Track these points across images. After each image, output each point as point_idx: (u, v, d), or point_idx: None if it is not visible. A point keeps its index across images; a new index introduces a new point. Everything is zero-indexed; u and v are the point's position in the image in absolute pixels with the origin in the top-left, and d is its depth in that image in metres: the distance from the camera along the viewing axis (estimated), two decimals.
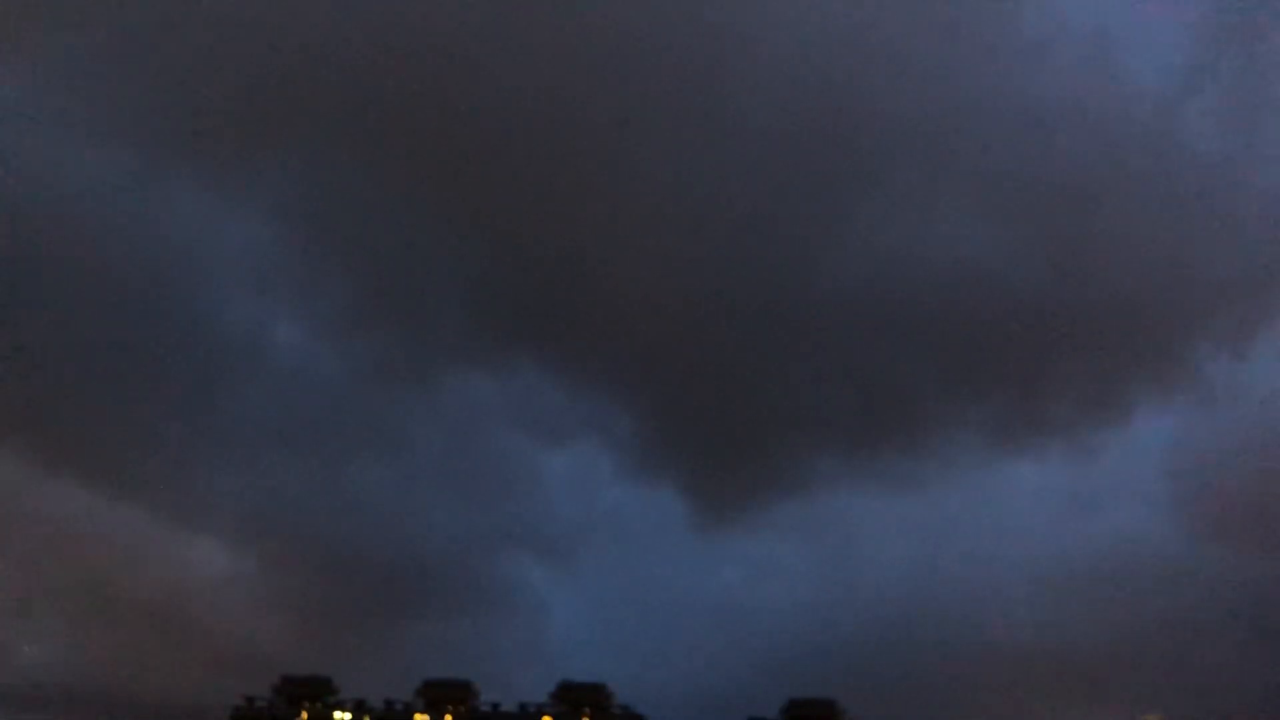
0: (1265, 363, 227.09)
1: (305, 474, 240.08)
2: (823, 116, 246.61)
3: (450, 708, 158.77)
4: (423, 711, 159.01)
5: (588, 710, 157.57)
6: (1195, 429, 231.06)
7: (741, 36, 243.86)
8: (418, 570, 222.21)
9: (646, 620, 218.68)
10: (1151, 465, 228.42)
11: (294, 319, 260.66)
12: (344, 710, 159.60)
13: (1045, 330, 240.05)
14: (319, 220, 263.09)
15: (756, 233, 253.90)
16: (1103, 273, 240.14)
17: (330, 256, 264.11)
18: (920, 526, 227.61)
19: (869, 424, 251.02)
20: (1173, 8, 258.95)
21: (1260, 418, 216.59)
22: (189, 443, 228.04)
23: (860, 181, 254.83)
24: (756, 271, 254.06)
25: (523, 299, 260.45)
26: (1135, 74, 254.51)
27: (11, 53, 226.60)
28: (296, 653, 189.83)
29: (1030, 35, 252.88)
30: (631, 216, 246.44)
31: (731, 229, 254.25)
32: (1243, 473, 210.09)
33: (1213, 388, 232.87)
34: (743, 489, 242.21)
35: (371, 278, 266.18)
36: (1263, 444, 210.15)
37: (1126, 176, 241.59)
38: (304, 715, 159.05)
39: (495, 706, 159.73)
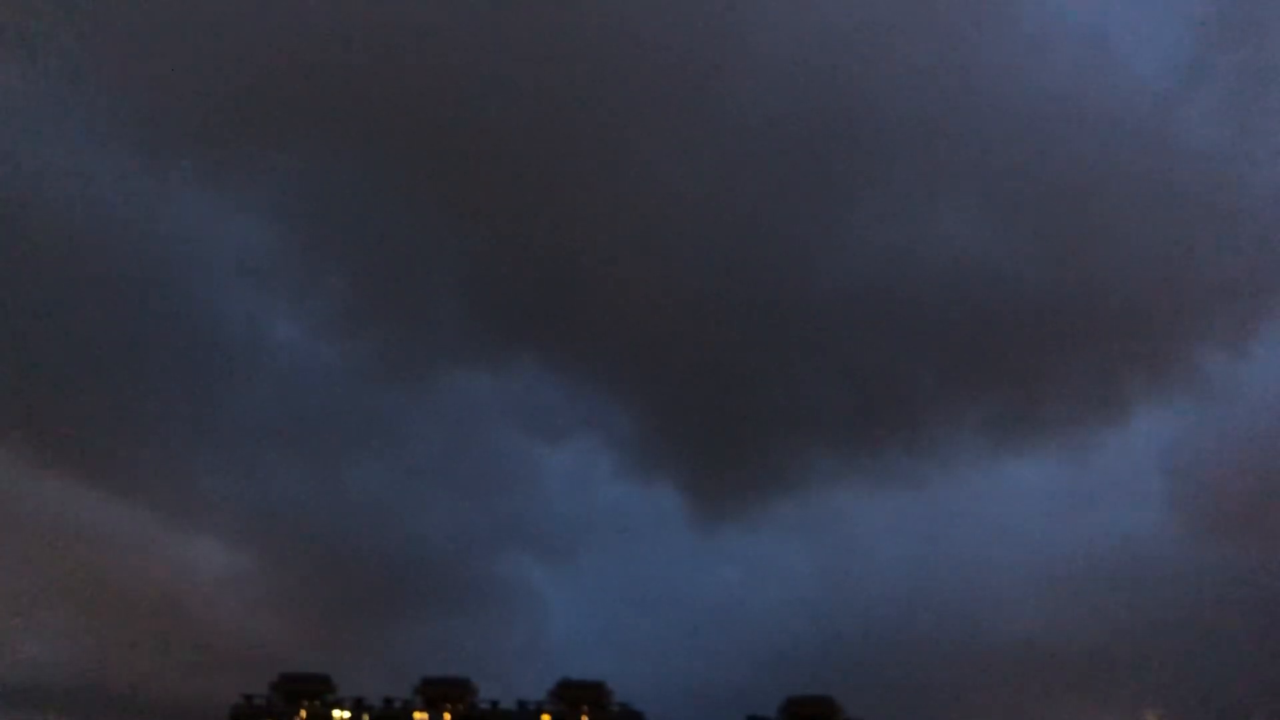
0: (1265, 362, 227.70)
1: (304, 472, 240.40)
2: (821, 114, 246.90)
3: (449, 706, 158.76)
4: (421, 709, 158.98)
5: (586, 708, 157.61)
6: (1194, 428, 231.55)
7: (740, 34, 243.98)
8: (416, 568, 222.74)
9: (645, 618, 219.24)
10: (1150, 464, 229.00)
11: (292, 317, 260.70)
12: (343, 708, 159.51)
13: (1044, 329, 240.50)
14: (318, 218, 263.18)
15: (755, 231, 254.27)
16: (1102, 271, 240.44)
17: (329, 254, 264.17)
18: (919, 525, 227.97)
19: (868, 422, 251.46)
20: (1173, 5, 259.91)
21: (1259, 417, 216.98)
22: (187, 441, 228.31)
23: (860, 179, 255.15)
24: (755, 270, 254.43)
25: (522, 297, 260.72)
26: (1135, 72, 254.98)
27: (10, 51, 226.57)
28: (295, 651, 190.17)
29: (1029, 33, 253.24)
30: (630, 214, 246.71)
31: (730, 227, 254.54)
32: (1242, 471, 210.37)
33: (1212, 387, 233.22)
34: (742, 487, 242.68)
35: (370, 276, 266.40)
36: (1262, 443, 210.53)
37: (1126, 175, 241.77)
38: (303, 713, 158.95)
39: (494, 704, 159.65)
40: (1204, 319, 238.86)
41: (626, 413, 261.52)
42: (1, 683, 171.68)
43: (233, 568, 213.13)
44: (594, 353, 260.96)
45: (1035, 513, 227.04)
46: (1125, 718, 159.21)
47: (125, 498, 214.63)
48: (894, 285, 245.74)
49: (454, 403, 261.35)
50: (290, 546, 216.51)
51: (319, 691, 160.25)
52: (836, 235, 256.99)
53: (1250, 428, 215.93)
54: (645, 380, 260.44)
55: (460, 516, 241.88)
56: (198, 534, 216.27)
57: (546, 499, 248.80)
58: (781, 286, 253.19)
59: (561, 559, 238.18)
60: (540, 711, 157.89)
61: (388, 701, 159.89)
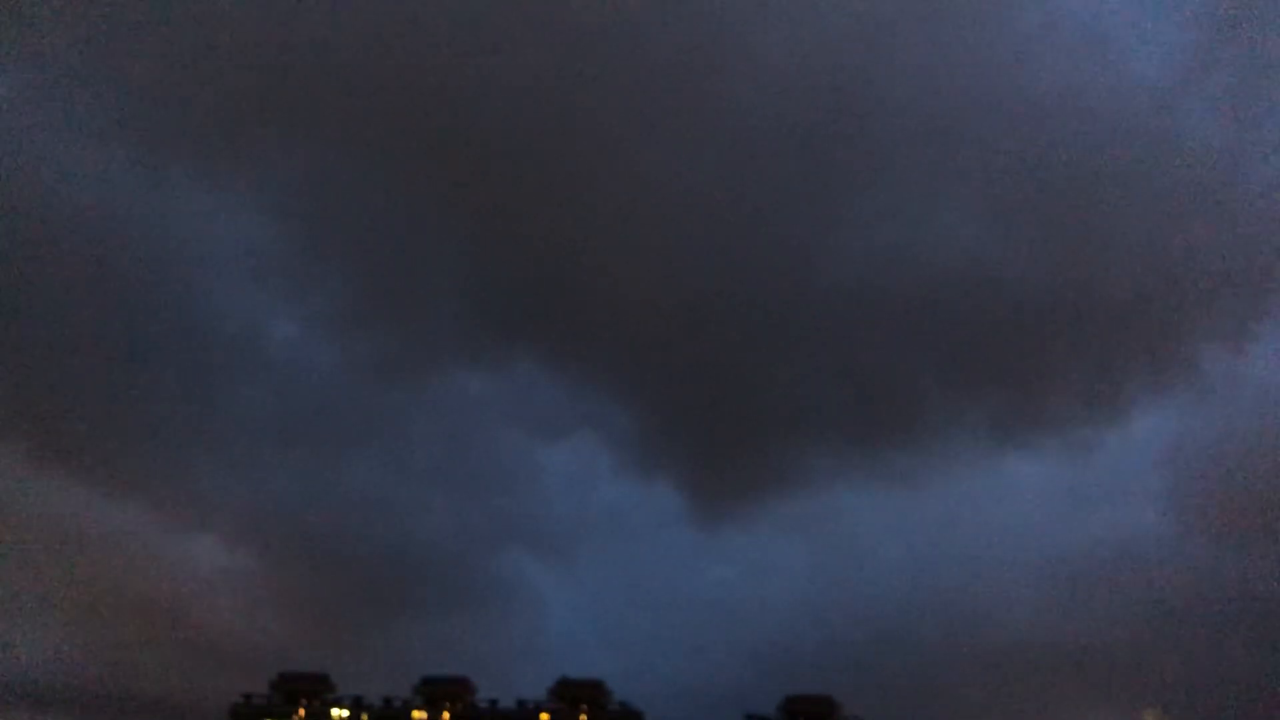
0: (1264, 359, 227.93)
1: (303, 471, 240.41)
2: (821, 114, 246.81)
3: (448, 704, 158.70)
4: (421, 708, 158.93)
5: (585, 707, 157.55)
6: (1194, 425, 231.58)
7: (739, 32, 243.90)
8: (415, 567, 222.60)
9: (644, 616, 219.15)
10: (1150, 461, 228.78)
11: (291, 315, 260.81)
12: (342, 707, 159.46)
13: (1044, 326, 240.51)
14: (316, 217, 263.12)
15: (754, 229, 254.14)
16: (1101, 269, 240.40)
17: (327, 253, 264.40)
18: (918, 523, 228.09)
19: (867, 420, 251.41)
20: (1171, 3, 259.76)
21: (1259, 413, 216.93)
22: (186, 440, 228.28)
23: (859, 178, 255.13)
24: (755, 268, 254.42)
25: (520, 295, 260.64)
26: (1134, 69, 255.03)
27: (9, 49, 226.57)
28: (294, 649, 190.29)
29: (1028, 30, 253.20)
30: (629, 212, 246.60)
31: (730, 226, 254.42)
32: (1241, 468, 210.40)
33: (1211, 384, 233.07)
34: (741, 485, 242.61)
35: (370, 275, 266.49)
36: (1261, 440, 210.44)
37: (1125, 172, 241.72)
38: (302, 712, 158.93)
39: (493, 703, 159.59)
40: (1203, 316, 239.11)
41: (626, 412, 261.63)
42: (1, 682, 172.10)
43: (232, 567, 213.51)
44: (593, 351, 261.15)
45: (1034, 511, 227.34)
46: (1124, 715, 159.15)
47: (124, 497, 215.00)
48: (894, 284, 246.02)
49: (453, 401, 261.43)
50: (289, 546, 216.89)
51: (318, 690, 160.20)
52: (836, 234, 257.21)
53: (1250, 424, 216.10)
54: (645, 379, 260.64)
55: (459, 515, 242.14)
56: (197, 533, 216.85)
57: (546, 498, 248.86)
58: (781, 285, 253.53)
59: (561, 558, 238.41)
60: (539, 710, 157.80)
61: (387, 700, 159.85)
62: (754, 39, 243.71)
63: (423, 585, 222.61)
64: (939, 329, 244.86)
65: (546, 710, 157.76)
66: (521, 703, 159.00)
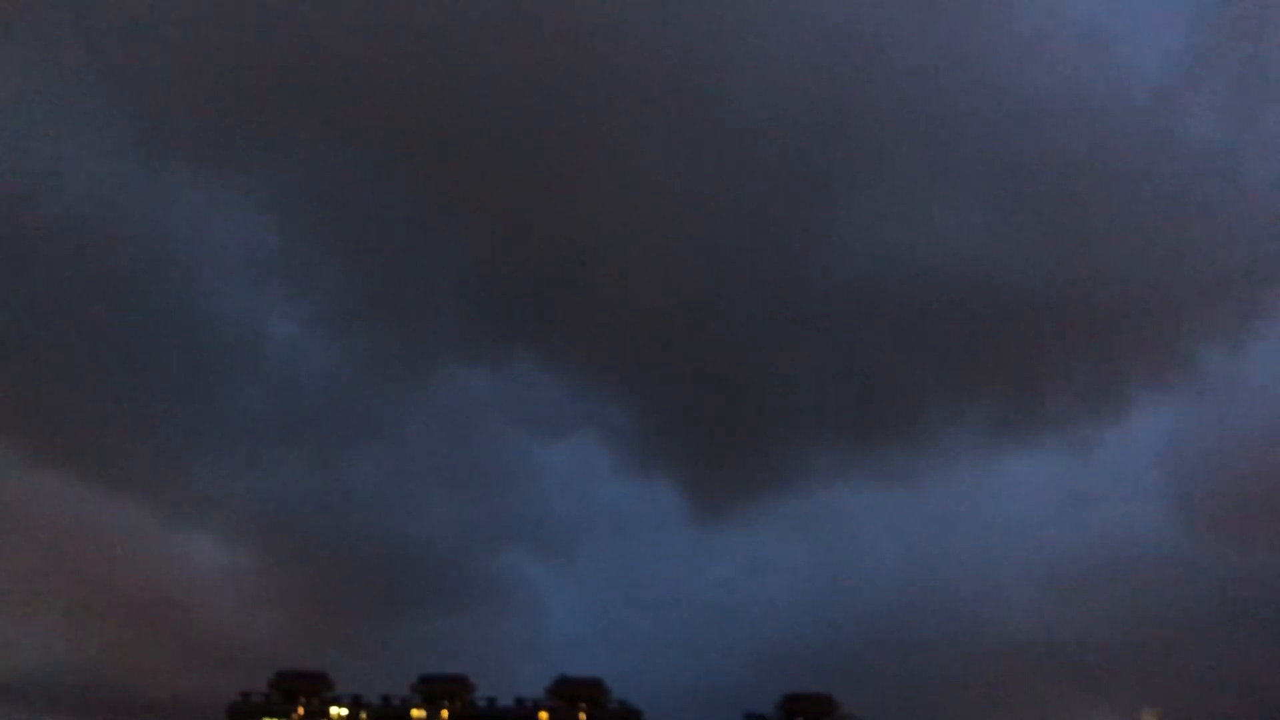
0: (1263, 356, 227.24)
1: (302, 469, 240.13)
2: (820, 110, 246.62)
3: (447, 703, 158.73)
4: (419, 707, 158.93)
5: (584, 706, 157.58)
6: (1193, 423, 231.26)
7: (738, 30, 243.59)
8: (414, 565, 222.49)
9: (643, 615, 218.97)
10: (1149, 459, 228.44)
11: (291, 314, 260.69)
12: (341, 706, 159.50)
13: (1043, 324, 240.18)
14: (316, 215, 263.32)
15: (754, 227, 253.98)
16: (1100, 266, 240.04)
17: (327, 252, 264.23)
18: (917, 521, 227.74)
19: (866, 419, 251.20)
20: (1170, 1, 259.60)
21: (1258, 411, 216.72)
22: (185, 438, 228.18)
23: (859, 176, 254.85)
24: (754, 266, 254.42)
25: (520, 293, 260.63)
26: (1133, 66, 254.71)
27: (9, 49, 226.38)
28: (293, 648, 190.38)
29: (1027, 27, 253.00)
30: (629, 210, 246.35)
31: (729, 223, 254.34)
32: (1240, 466, 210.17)
33: (1211, 381, 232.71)
34: (740, 484, 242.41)
35: (369, 273, 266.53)
36: (1260, 438, 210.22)
37: (1124, 169, 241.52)
38: (300, 710, 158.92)
39: (492, 702, 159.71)
40: (1203, 314, 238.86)
41: (626, 410, 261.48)
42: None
43: (231, 565, 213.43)
44: (593, 350, 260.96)
45: (1034, 509, 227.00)
46: (1123, 714, 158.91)
47: (123, 495, 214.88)
48: (893, 282, 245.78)
49: (452, 400, 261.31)
50: (288, 544, 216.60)
51: (317, 689, 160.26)
52: (835, 232, 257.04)
53: (1249, 422, 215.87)
54: (644, 377, 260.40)
55: (459, 514, 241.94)
56: (196, 531, 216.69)
57: (545, 496, 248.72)
58: (780, 283, 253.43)
59: (560, 557, 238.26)
60: (538, 709, 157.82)
61: (385, 699, 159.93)
62: (753, 38, 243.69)
63: (421, 584, 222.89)
64: (939, 328, 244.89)
65: (545, 709, 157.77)
66: (520, 701, 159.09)
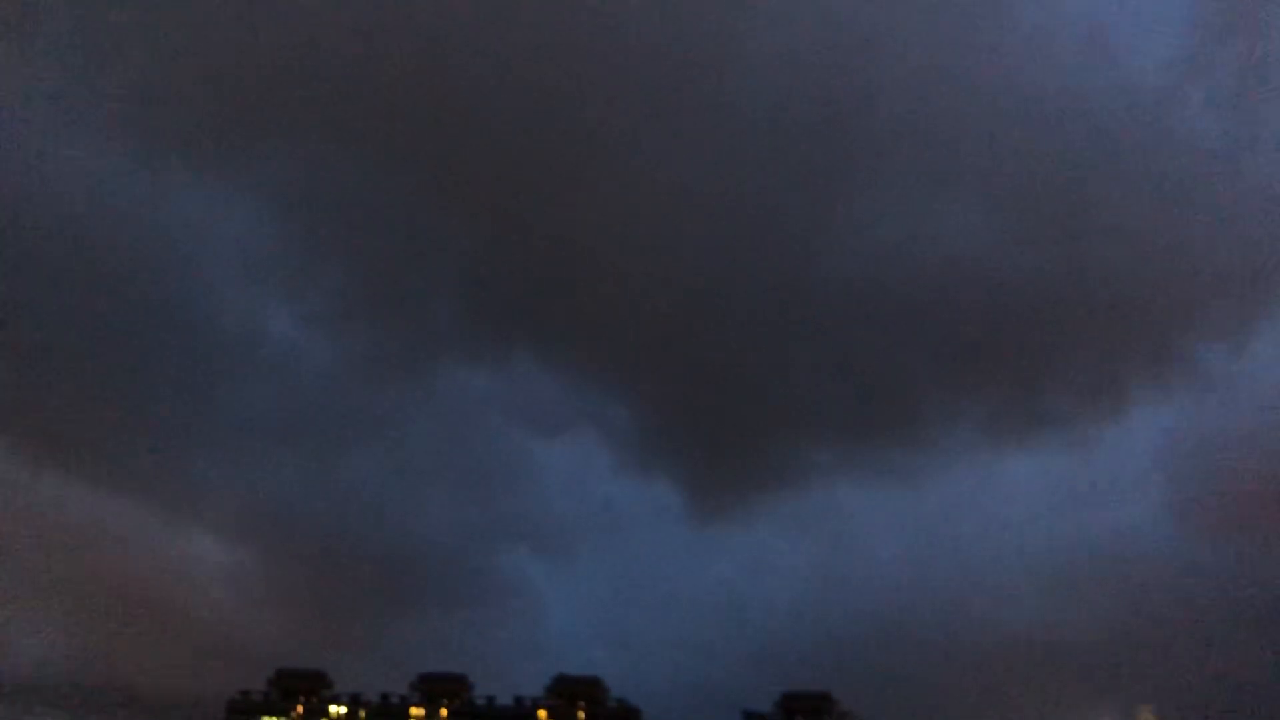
0: (1263, 356, 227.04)
1: (300, 467, 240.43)
2: (820, 109, 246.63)
3: (446, 701, 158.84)
4: (418, 705, 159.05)
5: (583, 704, 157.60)
6: (1193, 422, 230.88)
7: (738, 29, 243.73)
8: (413, 564, 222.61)
9: (642, 614, 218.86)
10: (1148, 458, 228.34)
11: (289, 313, 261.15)
12: (339, 704, 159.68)
13: (1042, 323, 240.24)
14: (314, 213, 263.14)
15: (753, 226, 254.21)
16: (1100, 265, 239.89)
17: (326, 250, 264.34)
18: (916, 520, 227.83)
19: (865, 417, 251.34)
20: (1172, 1, 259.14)
21: (1258, 411, 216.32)
22: (184, 436, 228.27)
23: (858, 175, 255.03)
24: (754, 264, 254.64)
25: (519, 292, 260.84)
26: (1134, 65, 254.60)
27: (11, 50, 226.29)
28: (292, 646, 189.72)
29: (1028, 27, 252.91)
30: (628, 210, 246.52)
31: (729, 222, 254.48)
32: (1240, 466, 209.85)
33: (1210, 381, 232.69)
34: (739, 482, 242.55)
35: (367, 271, 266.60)
36: (1260, 437, 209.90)
37: (1124, 169, 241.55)
38: (299, 709, 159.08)
39: (491, 700, 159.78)
40: (1202, 313, 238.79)
41: (625, 408, 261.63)
42: None
43: (229, 563, 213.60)
44: (592, 348, 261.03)
45: (1032, 508, 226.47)
46: (1120, 714, 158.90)
47: (121, 493, 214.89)
48: (892, 280, 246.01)
49: (451, 398, 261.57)
50: (287, 542, 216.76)
51: (315, 687, 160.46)
52: (835, 230, 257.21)
53: (1249, 421, 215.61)
54: (643, 376, 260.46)
55: (457, 512, 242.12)
56: (194, 529, 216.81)
57: (544, 494, 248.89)
58: (780, 282, 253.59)
59: (559, 555, 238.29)
60: (537, 707, 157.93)
61: (384, 697, 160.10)
62: (753, 37, 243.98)
63: (421, 582, 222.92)
64: (938, 326, 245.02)
65: (544, 707, 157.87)
66: (519, 700, 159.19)
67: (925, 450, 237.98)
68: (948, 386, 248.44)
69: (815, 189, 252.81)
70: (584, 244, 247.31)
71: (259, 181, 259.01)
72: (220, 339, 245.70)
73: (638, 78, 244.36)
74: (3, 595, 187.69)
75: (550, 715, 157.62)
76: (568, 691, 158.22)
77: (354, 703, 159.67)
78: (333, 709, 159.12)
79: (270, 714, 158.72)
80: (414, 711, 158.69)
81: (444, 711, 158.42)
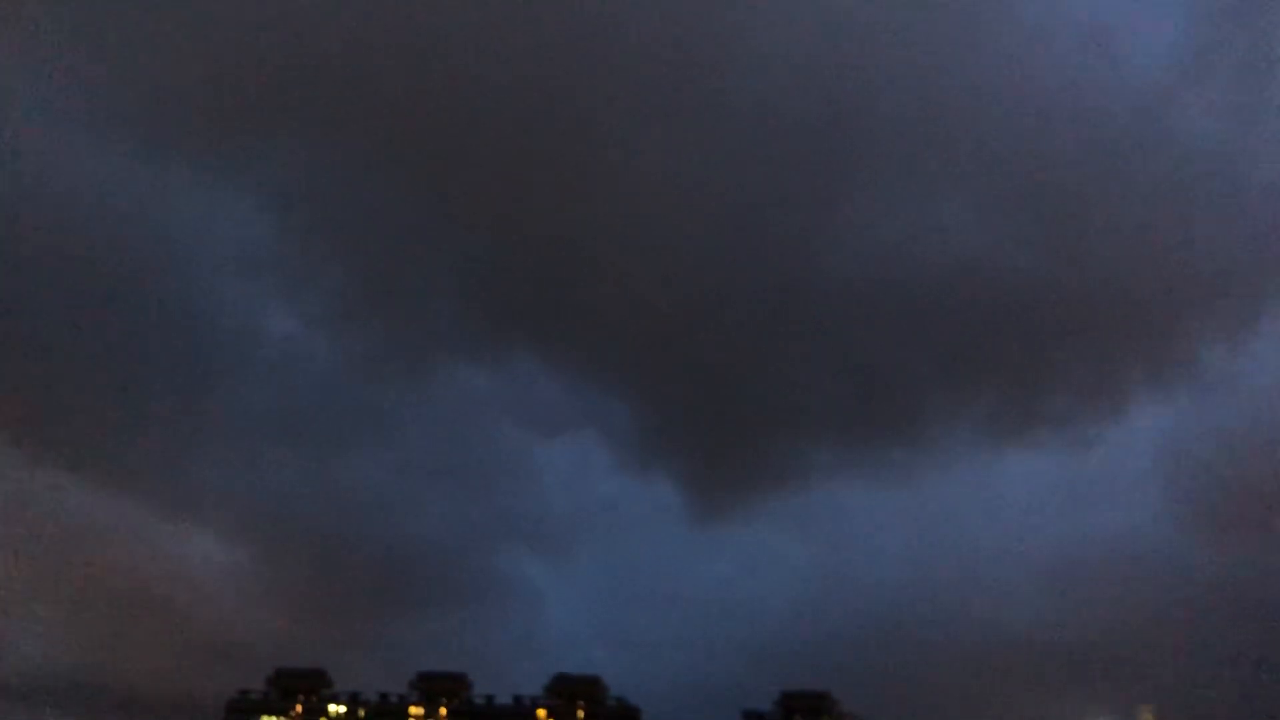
0: (1263, 354, 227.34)
1: (299, 466, 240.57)
2: (820, 108, 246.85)
3: (445, 700, 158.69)
4: (417, 704, 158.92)
5: (582, 703, 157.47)
6: (1193, 420, 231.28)
7: (738, 29, 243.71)
8: (412, 563, 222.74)
9: (641, 613, 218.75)
10: (1148, 457, 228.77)
11: (289, 312, 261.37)
12: (338, 703, 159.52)
13: (1042, 321, 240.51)
14: (314, 213, 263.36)
15: (754, 226, 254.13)
16: (1100, 263, 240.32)
17: (326, 249, 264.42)
18: (916, 518, 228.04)
19: (865, 416, 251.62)
20: (1172, 1, 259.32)
21: (1258, 409, 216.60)
22: (183, 435, 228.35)
23: (859, 174, 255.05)
24: (754, 264, 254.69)
25: (518, 291, 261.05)
26: (1134, 64, 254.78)
27: (10, 50, 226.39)
28: (291, 645, 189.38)
29: (1029, 27, 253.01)
30: (628, 208, 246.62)
31: (729, 222, 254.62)
32: (1240, 464, 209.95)
33: (1210, 379, 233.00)
34: (739, 481, 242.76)
35: (367, 270, 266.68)
36: (1260, 435, 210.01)
37: (1125, 168, 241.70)
38: (299, 708, 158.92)
39: (490, 699, 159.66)
40: (1203, 312, 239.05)
41: (624, 407, 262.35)
42: None
43: (229, 563, 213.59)
44: (592, 347, 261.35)
45: (1032, 505, 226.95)
46: (1120, 713, 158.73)
47: (121, 492, 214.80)
48: (892, 280, 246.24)
49: (451, 397, 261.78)
50: (286, 541, 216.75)
51: (315, 686, 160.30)
52: (835, 230, 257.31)
53: (1248, 419, 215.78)
54: (643, 375, 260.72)
55: (457, 511, 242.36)
56: (194, 529, 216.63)
57: (544, 493, 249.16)
58: (780, 282, 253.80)
59: (558, 554, 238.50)
60: (536, 706, 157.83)
61: (383, 696, 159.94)
62: (753, 36, 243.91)
63: (420, 581, 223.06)
64: (938, 326, 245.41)
65: (543, 706, 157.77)
66: (518, 699, 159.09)
67: (925, 450, 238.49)
68: (948, 386, 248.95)
69: (815, 189, 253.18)
70: (584, 244, 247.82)
71: (259, 181, 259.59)
72: (220, 338, 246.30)
73: (638, 78, 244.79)
74: (3, 595, 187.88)
75: (550, 714, 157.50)
76: (567, 691, 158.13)
77: (353, 702, 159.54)
78: (332, 708, 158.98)
79: (270, 713, 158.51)
80: (413, 710, 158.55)
81: (443, 710, 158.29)
